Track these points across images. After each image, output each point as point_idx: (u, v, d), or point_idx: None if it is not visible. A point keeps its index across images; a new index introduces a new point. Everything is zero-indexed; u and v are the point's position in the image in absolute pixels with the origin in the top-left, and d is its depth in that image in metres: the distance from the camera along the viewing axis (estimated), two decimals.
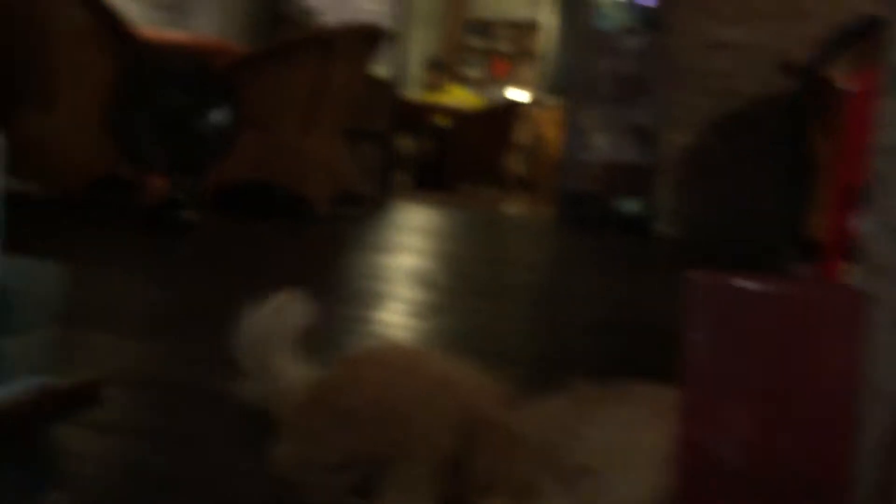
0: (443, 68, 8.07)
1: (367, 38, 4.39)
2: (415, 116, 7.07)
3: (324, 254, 3.37)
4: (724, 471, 0.74)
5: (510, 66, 9.12)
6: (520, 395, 1.08)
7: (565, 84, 6.57)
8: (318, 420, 1.14)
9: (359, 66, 4.47)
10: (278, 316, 1.31)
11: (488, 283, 3.00)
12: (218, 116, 3.22)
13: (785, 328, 0.71)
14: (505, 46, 9.10)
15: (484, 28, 9.11)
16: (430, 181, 7.16)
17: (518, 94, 8.67)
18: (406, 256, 3.45)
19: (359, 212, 4.60)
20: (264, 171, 4.20)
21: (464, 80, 8.75)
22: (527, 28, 8.99)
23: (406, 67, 6.46)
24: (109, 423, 1.18)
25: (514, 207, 6.78)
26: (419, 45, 8.25)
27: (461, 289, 2.80)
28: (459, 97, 7.99)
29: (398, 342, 1.88)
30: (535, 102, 8.38)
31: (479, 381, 1.14)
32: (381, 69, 6.18)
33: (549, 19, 8.75)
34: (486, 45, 9.13)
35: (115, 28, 3.61)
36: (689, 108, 4.60)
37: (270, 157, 4.21)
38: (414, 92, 7.83)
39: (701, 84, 4.56)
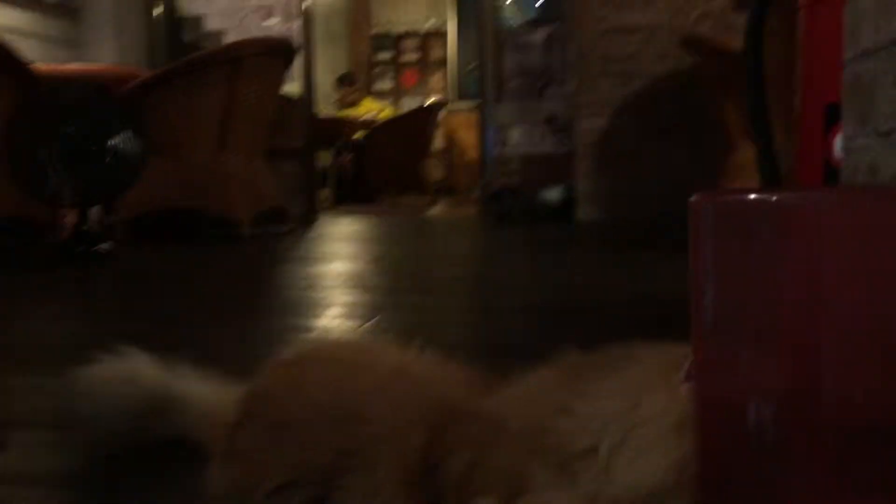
0: (353, 82, 8.04)
1: (277, 53, 4.35)
2: (330, 132, 7.01)
3: (252, 270, 3.30)
4: (756, 433, 0.58)
5: (419, 75, 9.15)
6: (491, 377, 0.94)
7: (475, 86, 6.64)
8: (253, 438, 1.00)
9: (271, 82, 4.41)
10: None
11: (423, 279, 2.99)
12: (122, 142, 3.12)
13: (828, 245, 0.53)
14: (412, 57, 9.12)
15: (390, 41, 9.13)
16: (352, 195, 7.11)
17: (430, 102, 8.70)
18: (338, 263, 3.41)
19: (285, 229, 4.53)
20: (182, 195, 4.11)
21: (375, 94, 8.74)
22: (432, 37, 9.05)
23: (315, 85, 6.40)
24: (11, 470, 1.09)
25: (438, 211, 6.79)
26: (327, 63, 8.20)
27: (397, 287, 2.79)
28: (373, 109, 7.97)
29: (339, 338, 1.78)
30: (447, 108, 8.42)
31: (442, 367, 1.01)
32: (292, 87, 6.14)
33: (452, 26, 8.82)
34: (394, 58, 9.13)
35: (8, 65, 3.48)
36: (599, 93, 4.69)
37: (187, 180, 4.11)
38: (327, 108, 7.77)
39: (606, 68, 4.66)
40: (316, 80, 6.31)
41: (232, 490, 1.01)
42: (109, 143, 3.16)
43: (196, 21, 5.44)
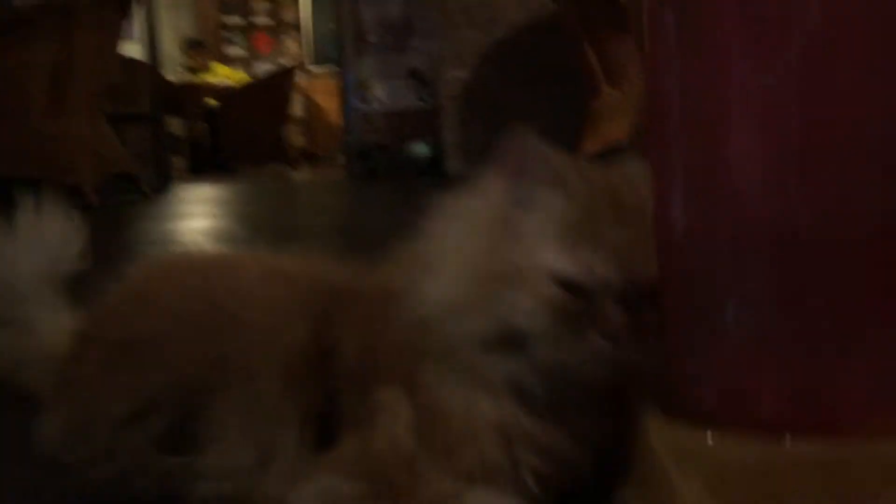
0: (202, 47, 7.62)
1: (114, 4, 4.00)
2: (181, 98, 6.61)
3: (103, 234, 3.02)
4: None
5: (273, 40, 8.79)
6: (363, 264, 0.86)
7: (333, 50, 6.43)
8: (96, 363, 0.84)
9: (109, 35, 4.06)
10: (34, 246, 1.01)
11: (287, 231, 2.84)
12: None
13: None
14: (264, 21, 8.75)
15: (239, 4, 8.71)
16: (208, 165, 6.75)
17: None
18: (200, 221, 3.18)
19: (137, 197, 4.21)
20: (15, 163, 3.72)
21: (226, 60, 8.33)
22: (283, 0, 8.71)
23: (161, 48, 6.01)
24: None
25: (303, 176, 6.57)
26: (171, 26, 7.73)
27: (260, 239, 2.61)
28: (224, 75, 7.59)
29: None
30: (305, 73, 8.14)
31: (314, 262, 0.90)
32: (133, 49, 5.73)
33: None
34: (245, 22, 8.73)
35: None
36: (460, 43, 4.61)
37: (19, 147, 3.73)
38: (174, 74, 7.34)
39: (467, 18, 4.58)
40: (161, 42, 5.93)
41: (69, 430, 0.85)
42: None
43: None
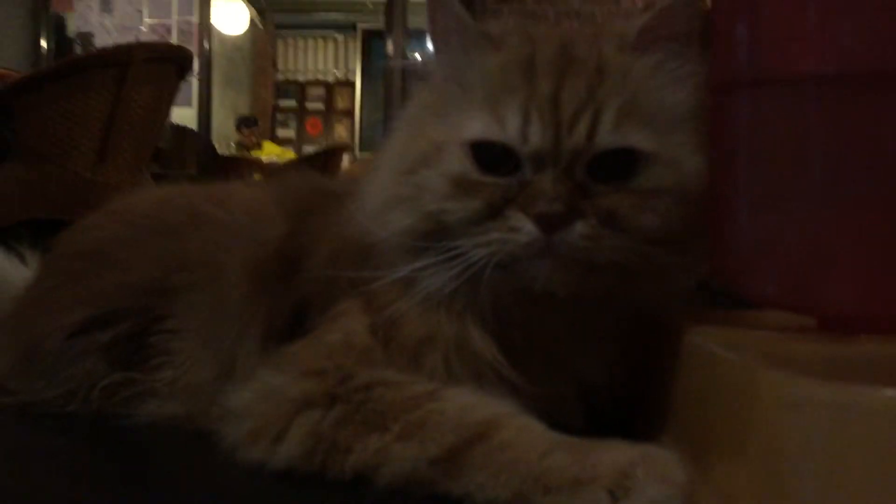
0: (255, 126, 7.81)
1: (170, 59, 4.10)
2: (228, 169, 6.73)
3: None
4: None
5: (323, 124, 8.99)
6: None
7: (379, 138, 6.53)
8: (55, 275, 0.79)
9: (161, 91, 4.14)
10: None
11: None
12: None
13: None
14: (317, 105, 8.98)
15: (295, 88, 8.97)
16: None
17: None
18: None
19: None
20: (57, 205, 3.75)
21: (277, 140, 8.52)
22: (337, 87, 8.94)
23: (214, 122, 6.17)
24: None
25: None
26: (229, 105, 7.97)
27: None
28: (274, 153, 7.74)
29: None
30: (351, 155, 8.27)
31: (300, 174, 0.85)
32: (187, 116, 5.88)
33: (359, 77, 8.75)
34: (298, 105, 8.97)
35: None
36: None
37: (63, 190, 3.77)
38: (227, 149, 7.51)
39: None
40: (215, 117, 6.08)
41: (21, 353, 0.76)
42: None
43: (87, 38, 5.16)
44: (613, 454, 0.54)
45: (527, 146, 0.59)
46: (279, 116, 8.90)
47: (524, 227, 0.57)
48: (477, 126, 0.60)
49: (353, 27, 8.75)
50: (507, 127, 0.59)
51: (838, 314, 0.54)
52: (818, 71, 0.53)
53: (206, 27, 5.34)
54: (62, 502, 0.59)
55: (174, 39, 5.29)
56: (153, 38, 5.16)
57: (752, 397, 0.48)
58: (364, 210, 0.66)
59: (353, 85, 8.80)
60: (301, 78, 9.04)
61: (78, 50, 5.05)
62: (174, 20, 5.30)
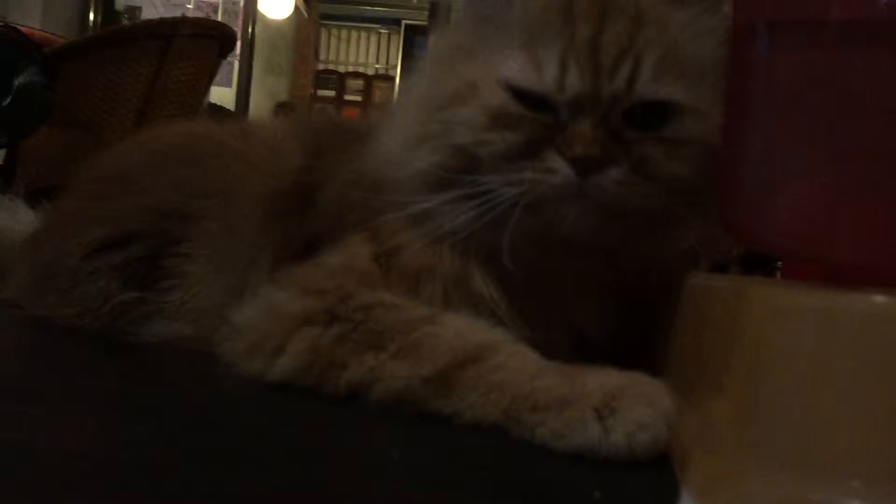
0: (292, 112, 7.89)
1: (212, 36, 4.15)
2: None
3: None
4: None
5: (360, 116, 9.05)
6: None
7: None
8: (77, 197, 0.83)
9: (202, 66, 4.20)
10: None
11: None
12: (28, 81, 2.88)
13: None
14: (355, 97, 9.03)
15: (334, 79, 9.03)
16: None
17: None
18: None
19: None
20: None
21: None
22: (377, 80, 8.99)
23: (253, 106, 6.23)
24: None
25: None
26: (267, 91, 8.05)
27: None
28: None
29: None
30: None
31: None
32: (226, 96, 5.94)
33: (399, 72, 8.79)
34: (337, 96, 9.02)
35: None
36: None
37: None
38: None
39: None
40: (253, 96, 6.14)
41: (38, 274, 0.78)
42: (15, 81, 2.90)
43: (134, 12, 5.24)
44: (603, 378, 0.55)
45: (564, 94, 0.59)
46: (317, 105, 8.97)
47: (561, 169, 0.57)
48: (514, 67, 0.60)
49: (398, 22, 8.79)
50: (544, 75, 0.59)
51: (844, 264, 0.54)
52: (836, 17, 0.52)
53: (251, 10, 5.39)
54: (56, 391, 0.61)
55: (219, 19, 5.35)
56: (199, 15, 5.22)
57: (739, 312, 0.48)
58: (384, 150, 0.66)
59: (392, 79, 8.84)
60: (342, 69, 9.10)
61: (125, 23, 5.13)
62: (221, 0, 5.36)
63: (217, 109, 5.22)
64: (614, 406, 0.52)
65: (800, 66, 0.55)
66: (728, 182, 0.60)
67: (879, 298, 0.42)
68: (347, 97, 9.01)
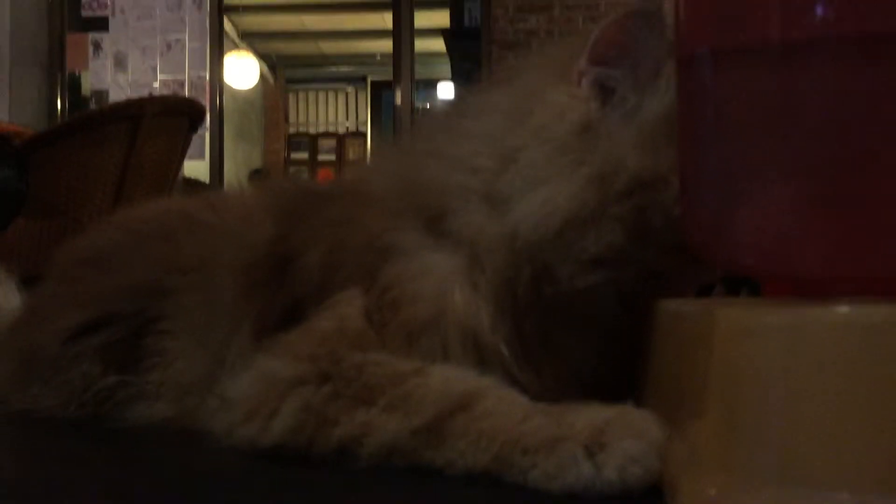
0: (267, 177, 7.93)
1: (181, 112, 4.18)
2: None
3: None
4: None
5: (334, 175, 9.10)
6: None
7: None
8: (53, 282, 0.84)
9: (173, 144, 4.22)
10: None
11: None
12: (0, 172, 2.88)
13: None
14: (329, 157, 9.10)
15: (307, 141, 9.10)
16: None
17: None
18: None
19: None
20: None
21: None
22: (349, 138, 9.07)
23: (224, 167, 6.26)
24: None
25: None
26: (241, 159, 8.09)
27: None
28: None
29: None
30: None
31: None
32: (200, 169, 5.96)
33: (369, 128, 8.89)
34: (310, 157, 9.09)
35: None
36: None
37: None
38: None
39: None
40: (227, 166, 6.17)
41: (18, 365, 0.78)
42: None
43: (101, 95, 5.28)
44: (590, 414, 0.55)
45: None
46: (291, 169, 9.02)
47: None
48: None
49: (363, 79, 8.90)
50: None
51: (810, 278, 0.55)
52: (776, 38, 0.54)
53: (217, 82, 5.45)
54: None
55: (187, 94, 5.39)
56: (166, 93, 5.27)
57: (709, 336, 0.48)
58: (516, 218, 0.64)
59: (363, 135, 8.92)
60: (312, 130, 9.17)
61: (93, 107, 5.16)
62: (187, 76, 5.41)
63: (192, 183, 5.24)
64: (603, 441, 0.52)
65: (746, 88, 0.56)
66: (691, 208, 0.61)
67: (843, 309, 0.42)
68: (321, 157, 9.08)
